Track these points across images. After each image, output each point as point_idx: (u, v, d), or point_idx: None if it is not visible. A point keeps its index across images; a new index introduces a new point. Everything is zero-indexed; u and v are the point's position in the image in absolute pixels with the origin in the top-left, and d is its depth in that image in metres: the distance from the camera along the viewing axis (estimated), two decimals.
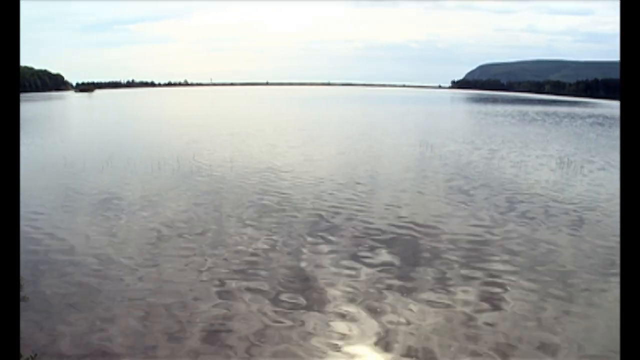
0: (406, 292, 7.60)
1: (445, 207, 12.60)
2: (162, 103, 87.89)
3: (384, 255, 9.12)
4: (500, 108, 74.68)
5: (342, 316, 6.81)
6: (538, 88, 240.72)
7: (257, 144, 24.69)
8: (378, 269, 8.48)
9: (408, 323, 6.62)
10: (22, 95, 72.56)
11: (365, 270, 8.42)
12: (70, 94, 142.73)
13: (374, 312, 6.92)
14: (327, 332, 6.38)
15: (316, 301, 7.25)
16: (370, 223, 11.09)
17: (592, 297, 7.53)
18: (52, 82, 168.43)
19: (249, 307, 7.08)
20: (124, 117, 48.81)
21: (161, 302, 7.21)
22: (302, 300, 7.26)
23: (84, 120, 46.32)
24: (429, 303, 7.25)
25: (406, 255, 9.15)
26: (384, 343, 6.13)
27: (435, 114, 59.12)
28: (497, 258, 9.07)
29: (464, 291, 7.67)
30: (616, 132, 36.89)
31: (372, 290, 7.63)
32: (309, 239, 10.02)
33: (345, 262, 8.75)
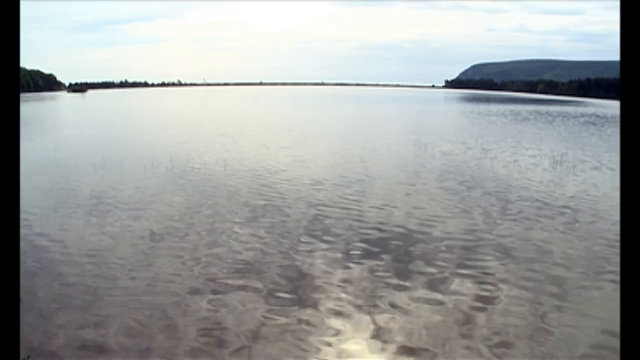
0: (400, 290, 7.60)
1: (439, 207, 12.62)
2: (156, 103, 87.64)
3: (377, 255, 9.12)
4: (493, 107, 74.96)
5: (337, 315, 6.81)
6: (531, 87, 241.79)
7: (250, 145, 24.66)
8: (371, 268, 8.48)
9: (402, 321, 6.63)
10: None
11: (358, 269, 8.42)
12: (63, 94, 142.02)
13: (368, 311, 6.93)
14: (321, 332, 6.38)
15: (310, 300, 7.26)
16: (363, 223, 11.08)
17: (585, 296, 7.55)
18: (45, 83, 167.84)
19: (243, 306, 7.07)
20: (117, 118, 48.62)
21: (155, 301, 7.19)
22: (296, 300, 7.25)
23: (76, 121, 46.09)
24: (423, 301, 7.26)
25: (400, 255, 9.15)
26: (378, 341, 6.14)
27: (429, 113, 59.23)
28: (490, 257, 9.09)
29: (458, 290, 7.68)
30: (608, 131, 37.14)
31: (366, 290, 7.63)
32: (302, 239, 10.00)
33: (338, 262, 8.74)
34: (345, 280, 7.99)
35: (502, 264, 8.76)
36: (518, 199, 13.55)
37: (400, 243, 9.84)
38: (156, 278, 8.08)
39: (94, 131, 33.94)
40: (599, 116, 59.33)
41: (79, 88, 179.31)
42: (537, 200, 13.46)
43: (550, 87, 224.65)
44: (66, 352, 5.88)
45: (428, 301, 7.28)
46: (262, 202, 12.90)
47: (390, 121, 44.31)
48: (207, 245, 9.67)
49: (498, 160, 20.72)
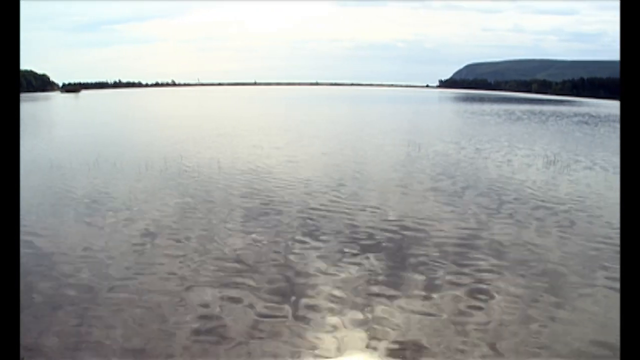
0: (394, 291, 7.61)
1: (432, 208, 12.64)
2: (150, 104, 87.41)
3: (371, 256, 9.10)
4: (486, 107, 75.19)
5: (331, 315, 6.81)
6: (525, 87, 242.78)
7: (245, 145, 24.64)
8: (365, 269, 8.47)
9: (397, 321, 6.63)
10: None
11: (352, 270, 8.41)
12: (57, 95, 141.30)
13: (362, 311, 6.93)
14: (316, 332, 6.38)
15: (305, 301, 7.25)
16: (357, 224, 11.07)
17: (580, 296, 7.58)
18: (38, 83, 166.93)
19: (237, 307, 7.05)
20: (111, 118, 48.42)
21: (149, 303, 7.16)
22: (290, 302, 7.23)
23: (70, 121, 45.90)
24: (417, 301, 7.28)
25: (393, 256, 9.15)
26: (373, 342, 6.14)
27: (423, 113, 59.33)
28: (484, 258, 9.10)
29: (452, 290, 7.69)
30: (601, 131, 37.37)
31: (360, 290, 7.63)
32: (296, 241, 9.95)
33: (332, 263, 8.72)
34: (338, 280, 7.99)
35: (495, 264, 8.79)
36: (512, 199, 13.57)
37: (394, 244, 9.85)
38: (151, 277, 8.06)
39: (87, 131, 33.81)
40: (592, 116, 59.65)
41: (73, 88, 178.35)
42: (531, 200, 13.51)
43: (544, 86, 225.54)
44: (61, 353, 5.86)
45: (421, 301, 7.30)
46: (256, 203, 12.87)
47: (385, 121, 44.37)
48: (202, 245, 9.65)
49: (491, 160, 20.81)
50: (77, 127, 37.85)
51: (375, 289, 7.68)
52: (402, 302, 7.24)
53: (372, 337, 6.25)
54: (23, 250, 9.00)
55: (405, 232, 10.53)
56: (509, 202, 13.18)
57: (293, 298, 7.36)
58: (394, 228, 10.80)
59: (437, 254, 9.25)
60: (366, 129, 35.27)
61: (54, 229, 10.69)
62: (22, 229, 10.29)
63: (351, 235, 10.32)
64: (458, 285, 7.87)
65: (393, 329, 6.45)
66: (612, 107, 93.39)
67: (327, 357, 5.84)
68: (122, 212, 11.92)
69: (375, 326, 6.51)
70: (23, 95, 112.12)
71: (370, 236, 10.25)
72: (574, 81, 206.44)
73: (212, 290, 7.60)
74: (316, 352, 5.93)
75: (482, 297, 7.45)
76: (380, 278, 8.10)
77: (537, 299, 7.37)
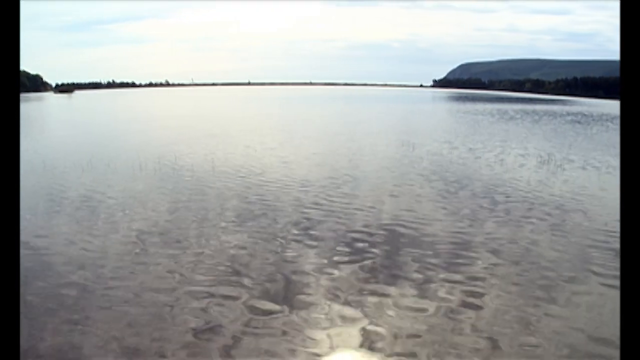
0: (389, 291, 7.62)
1: (426, 208, 12.64)
2: (143, 104, 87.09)
3: (365, 256, 9.11)
4: (480, 106, 75.39)
5: (325, 316, 6.82)
6: (518, 86, 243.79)
7: (238, 145, 24.58)
8: (359, 269, 8.48)
9: (391, 322, 6.64)
10: None
11: (347, 271, 8.42)
12: (50, 95, 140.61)
13: (356, 311, 6.95)
14: (311, 333, 6.38)
15: (299, 302, 7.25)
16: (351, 225, 11.07)
17: (574, 296, 7.61)
18: (31, 83, 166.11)
19: (231, 308, 7.04)
20: (105, 119, 48.29)
21: (143, 305, 7.13)
22: (284, 302, 7.23)
23: (63, 122, 45.70)
24: (412, 301, 7.29)
25: (388, 256, 9.15)
26: (367, 342, 6.15)
27: (416, 113, 59.37)
28: (478, 258, 9.12)
29: (447, 290, 7.71)
30: (594, 130, 37.54)
31: (354, 290, 7.64)
32: (290, 241, 9.94)
33: (326, 264, 8.73)
34: (332, 280, 8.02)
35: (490, 264, 8.82)
36: (505, 199, 13.61)
37: (387, 245, 9.85)
38: (145, 279, 8.04)
39: (81, 132, 33.69)
40: (585, 115, 59.95)
41: (66, 89, 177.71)
42: (524, 200, 13.56)
43: (537, 86, 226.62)
44: (54, 356, 5.84)
45: (415, 301, 7.33)
46: (249, 204, 12.86)
47: (379, 121, 44.41)
48: (195, 245, 9.64)
49: (484, 159, 20.87)
50: (71, 128, 37.69)
51: (368, 286, 7.72)
52: (395, 299, 7.27)
53: (366, 335, 6.26)
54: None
55: (398, 232, 10.56)
56: (502, 202, 13.25)
57: (286, 295, 7.37)
58: (387, 228, 10.84)
59: (431, 253, 9.29)
60: (361, 128, 35.28)
61: (48, 230, 10.64)
62: None
63: (344, 235, 10.35)
64: (451, 284, 7.92)
65: (387, 326, 6.48)
66: (605, 106, 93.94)
67: (321, 355, 5.87)
68: (117, 213, 11.90)
69: (368, 324, 6.54)
70: None
71: (363, 235, 10.29)
72: (567, 80, 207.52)
73: (207, 288, 7.62)
74: (310, 349, 5.95)
75: (476, 295, 7.49)
76: (375, 274, 8.13)
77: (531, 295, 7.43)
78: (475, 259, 8.98)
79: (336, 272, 8.33)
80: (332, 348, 6.04)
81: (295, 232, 10.57)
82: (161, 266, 8.57)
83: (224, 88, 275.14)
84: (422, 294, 7.50)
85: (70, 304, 7.11)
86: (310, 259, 8.95)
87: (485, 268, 8.55)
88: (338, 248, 9.53)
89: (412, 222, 11.27)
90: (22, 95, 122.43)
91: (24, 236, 10.00)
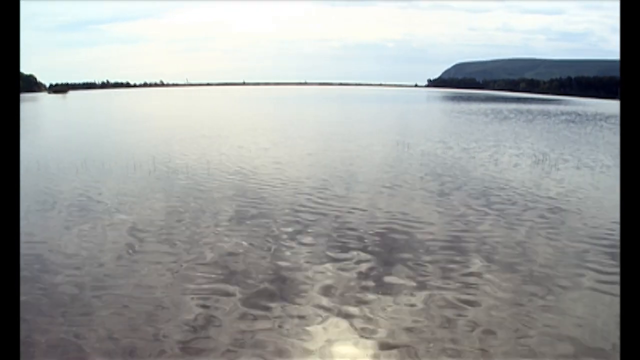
0: (384, 291, 7.63)
1: (422, 208, 12.65)
2: (138, 104, 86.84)
3: (361, 257, 9.11)
4: (474, 106, 75.58)
5: (322, 316, 6.82)
6: (513, 86, 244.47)
7: (233, 146, 24.54)
8: (355, 269, 8.48)
9: (387, 321, 6.65)
10: None
11: (342, 271, 8.42)
12: (44, 95, 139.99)
13: (352, 310, 6.96)
14: (307, 332, 6.38)
15: (295, 303, 7.24)
16: (346, 225, 11.06)
17: (570, 296, 7.63)
18: (25, 84, 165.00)
19: (228, 308, 7.03)
20: (99, 119, 48.15)
21: (139, 305, 7.11)
22: (280, 302, 7.23)
23: (57, 122, 45.54)
24: (407, 301, 7.29)
25: (383, 256, 9.16)
26: (362, 341, 6.16)
27: (411, 112, 59.44)
28: (474, 257, 9.14)
29: (442, 290, 7.72)
30: (588, 129, 37.70)
31: (350, 290, 7.64)
32: (285, 242, 9.93)
33: (322, 264, 8.72)
34: (327, 280, 8.03)
35: (485, 264, 8.85)
36: (499, 200, 13.64)
37: (383, 246, 9.85)
38: (140, 279, 8.02)
39: (75, 132, 33.59)
40: (579, 114, 60.22)
41: (60, 89, 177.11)
42: (519, 200, 13.60)
43: (532, 85, 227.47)
44: (50, 356, 5.83)
45: (410, 300, 7.34)
46: (244, 205, 12.83)
47: (373, 121, 44.46)
48: (191, 245, 9.62)
49: (478, 159, 20.92)
50: (65, 128, 37.58)
51: (363, 287, 7.72)
52: (390, 299, 7.29)
53: (361, 335, 6.29)
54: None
55: (392, 233, 10.58)
56: (497, 202, 13.29)
57: (281, 295, 7.38)
58: (382, 228, 10.86)
59: (424, 253, 9.32)
60: (355, 128, 35.30)
61: (41, 231, 10.61)
62: None
63: (338, 236, 10.36)
64: (446, 284, 7.94)
65: (381, 326, 6.49)
66: (598, 105, 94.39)
67: (320, 354, 5.87)
68: (112, 214, 11.87)
69: (363, 323, 6.55)
70: None
71: (358, 235, 10.30)
72: (561, 80, 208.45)
73: (202, 287, 7.62)
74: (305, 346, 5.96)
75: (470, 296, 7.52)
76: (368, 276, 8.14)
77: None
78: (469, 259, 9.04)
79: (329, 272, 8.33)
80: (327, 341, 6.05)
81: (290, 231, 10.53)
82: (155, 265, 8.58)
83: (218, 88, 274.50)
84: (414, 294, 7.55)
85: (66, 302, 7.12)
86: (301, 260, 8.91)
87: (479, 269, 8.61)
88: (328, 252, 9.48)
89: (406, 222, 11.28)
90: None
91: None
